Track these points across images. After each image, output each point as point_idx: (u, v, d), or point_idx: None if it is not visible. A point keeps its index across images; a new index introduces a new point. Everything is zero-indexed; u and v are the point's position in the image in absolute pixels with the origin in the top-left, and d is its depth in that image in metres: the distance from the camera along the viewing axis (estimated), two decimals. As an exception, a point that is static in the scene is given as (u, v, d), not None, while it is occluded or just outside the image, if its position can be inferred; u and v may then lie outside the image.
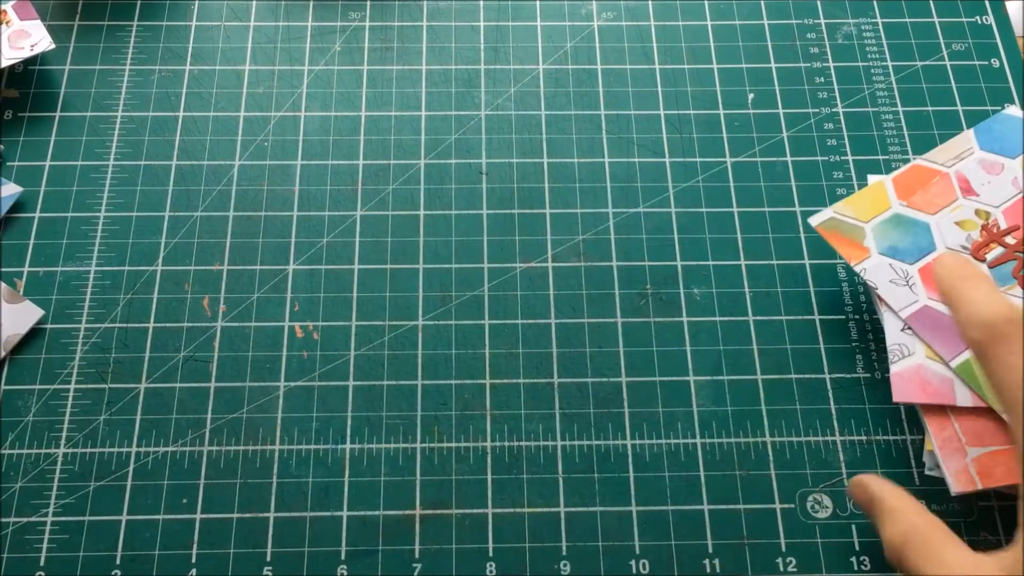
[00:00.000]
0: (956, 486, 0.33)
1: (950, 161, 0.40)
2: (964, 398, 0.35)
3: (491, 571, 0.35)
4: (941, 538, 0.28)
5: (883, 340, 0.39)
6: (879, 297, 0.37)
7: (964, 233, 0.38)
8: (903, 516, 0.29)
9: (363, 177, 0.43)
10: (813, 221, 0.39)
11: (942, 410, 0.35)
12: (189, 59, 0.46)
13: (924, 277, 0.37)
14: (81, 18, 0.47)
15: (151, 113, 0.45)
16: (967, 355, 0.35)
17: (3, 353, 0.38)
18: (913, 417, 0.38)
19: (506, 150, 0.44)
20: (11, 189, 0.42)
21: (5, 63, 0.42)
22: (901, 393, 0.35)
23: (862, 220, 0.39)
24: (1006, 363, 0.27)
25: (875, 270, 0.37)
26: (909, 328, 0.36)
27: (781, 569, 0.35)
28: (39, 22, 0.44)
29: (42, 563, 0.35)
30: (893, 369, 0.36)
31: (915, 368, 0.36)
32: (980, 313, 0.28)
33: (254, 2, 0.48)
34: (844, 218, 0.39)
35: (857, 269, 0.38)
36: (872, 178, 0.41)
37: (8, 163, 0.43)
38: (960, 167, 0.39)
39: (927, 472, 0.35)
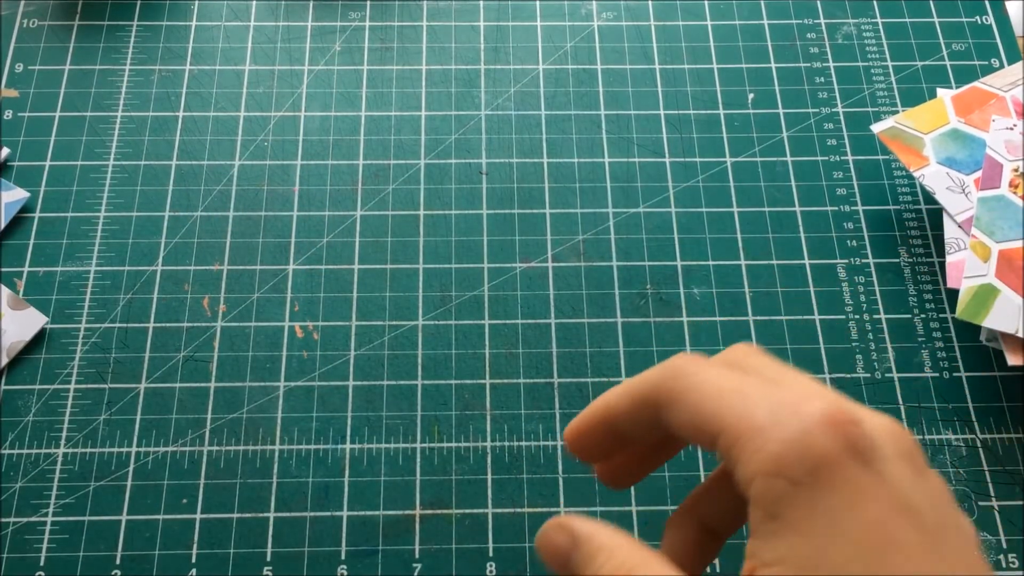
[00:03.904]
0: (1012, 358, 0.36)
1: (1007, 86, 0.42)
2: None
3: (491, 571, 0.35)
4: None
5: (883, 340, 0.40)
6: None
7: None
8: (621, 552, 0.21)
9: (363, 177, 0.43)
10: (876, 128, 0.42)
11: None
12: (189, 59, 0.46)
13: (978, 186, 0.40)
14: (81, 18, 0.47)
15: (151, 113, 0.45)
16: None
17: (6, 360, 0.38)
18: (913, 417, 0.38)
19: (506, 150, 0.44)
20: (17, 194, 0.42)
21: None
22: (955, 280, 0.38)
23: (922, 131, 0.41)
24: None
25: (933, 177, 0.40)
26: (963, 228, 0.39)
27: (781, 569, 0.35)
28: None
29: (42, 563, 0.35)
30: (949, 259, 0.38)
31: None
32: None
33: (254, 2, 0.48)
34: (905, 128, 0.41)
35: (916, 175, 0.40)
36: (941, 91, 0.43)
37: (8, 163, 0.43)
38: (1015, 92, 0.42)
39: (985, 342, 0.38)
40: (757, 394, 0.18)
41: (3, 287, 0.39)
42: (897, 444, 0.18)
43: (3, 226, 0.41)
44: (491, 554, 0.36)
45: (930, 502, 0.17)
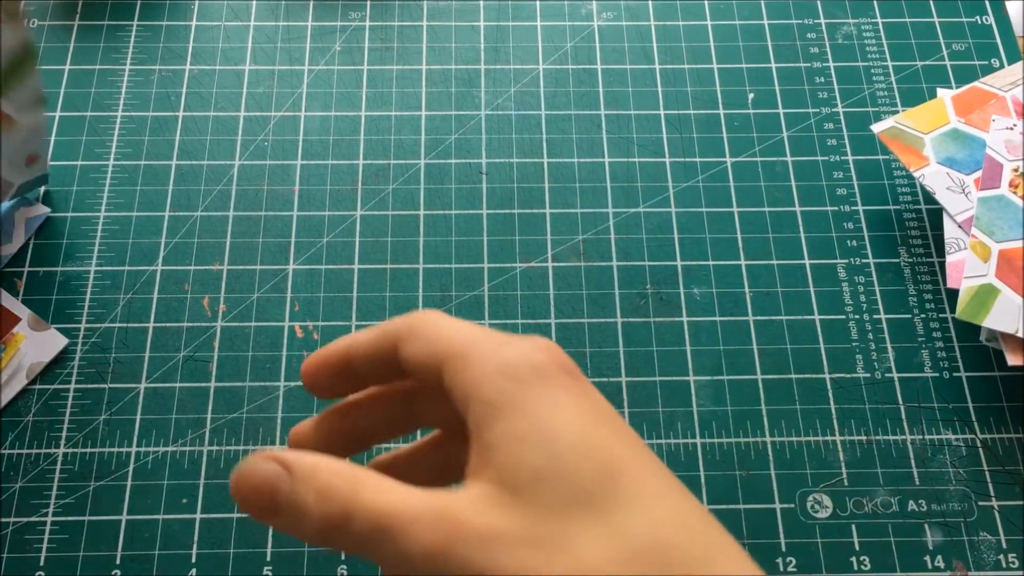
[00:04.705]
0: (1012, 358, 0.36)
1: (1007, 86, 0.42)
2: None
3: (491, 571, 0.35)
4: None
5: (883, 340, 0.40)
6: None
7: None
8: (324, 470, 0.20)
9: (363, 177, 0.43)
10: (876, 128, 0.42)
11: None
12: (189, 59, 0.46)
13: (978, 186, 0.40)
14: (81, 18, 0.47)
15: (151, 113, 0.45)
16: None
17: (26, 381, 0.38)
18: (913, 417, 0.38)
19: (506, 150, 0.44)
20: (39, 210, 0.41)
21: None
22: (955, 280, 0.38)
23: (922, 131, 0.41)
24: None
25: (933, 177, 0.40)
26: (963, 228, 0.39)
27: (781, 569, 0.35)
28: None
29: (42, 563, 0.35)
30: (949, 259, 0.38)
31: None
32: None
33: (254, 2, 0.48)
34: (905, 128, 0.41)
35: (916, 175, 0.40)
36: (941, 92, 0.43)
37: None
38: (1016, 92, 0.42)
39: (984, 342, 0.38)
40: (487, 333, 0.21)
41: (27, 309, 0.39)
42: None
43: (23, 241, 0.41)
44: (491, 554, 0.36)
45: (620, 419, 0.20)
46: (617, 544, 0.17)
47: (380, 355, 0.23)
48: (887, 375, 0.39)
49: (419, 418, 0.24)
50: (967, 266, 0.38)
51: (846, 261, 0.41)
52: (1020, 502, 0.36)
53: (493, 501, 0.18)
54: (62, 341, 0.39)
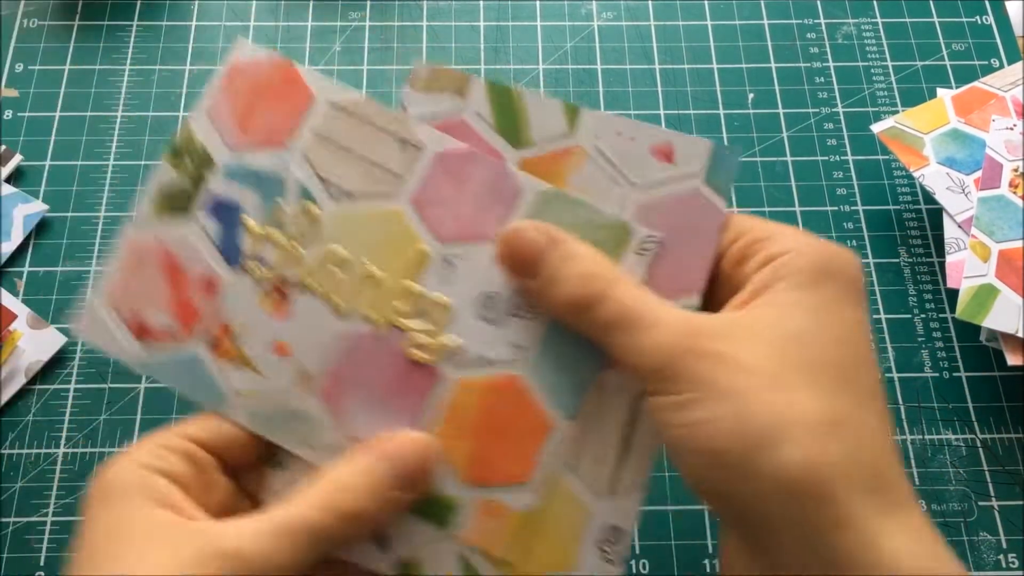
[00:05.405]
0: (1012, 358, 0.36)
1: (1007, 86, 0.42)
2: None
3: (491, 571, 0.35)
4: (638, 285, 0.23)
5: (883, 341, 0.40)
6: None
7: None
8: (589, 258, 0.23)
9: (363, 177, 0.43)
10: (875, 128, 0.42)
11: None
12: (189, 59, 0.46)
13: (978, 186, 0.40)
14: (81, 18, 0.47)
15: (151, 113, 0.45)
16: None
17: (24, 380, 0.38)
18: (913, 417, 0.38)
19: (506, 150, 0.44)
20: (36, 207, 0.41)
21: None
22: (955, 280, 0.38)
23: (922, 131, 0.41)
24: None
25: (933, 177, 0.40)
26: (963, 228, 0.39)
27: (781, 569, 0.35)
28: None
29: (42, 563, 0.35)
30: (949, 259, 0.38)
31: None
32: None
33: (254, 2, 0.48)
34: (905, 128, 0.41)
35: (916, 175, 0.40)
36: (941, 91, 0.43)
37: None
38: (1016, 92, 0.42)
39: (984, 342, 0.38)
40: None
41: (26, 308, 0.39)
42: None
43: (21, 239, 0.41)
44: (491, 554, 0.36)
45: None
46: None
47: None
48: (887, 375, 0.39)
49: None
50: (967, 266, 0.38)
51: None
52: (1020, 502, 0.36)
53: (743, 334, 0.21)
54: (61, 340, 0.39)
